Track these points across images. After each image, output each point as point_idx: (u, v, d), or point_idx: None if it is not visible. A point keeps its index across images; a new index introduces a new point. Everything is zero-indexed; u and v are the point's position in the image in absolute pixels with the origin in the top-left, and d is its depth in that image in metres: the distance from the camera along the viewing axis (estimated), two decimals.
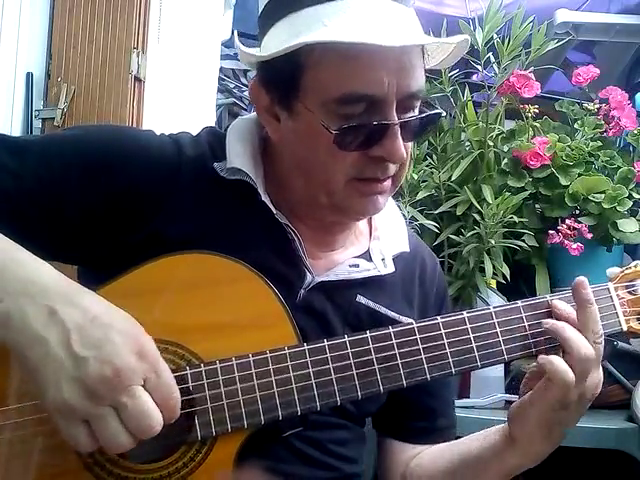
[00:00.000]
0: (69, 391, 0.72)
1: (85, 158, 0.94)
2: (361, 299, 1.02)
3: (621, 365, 1.76)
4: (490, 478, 1.00)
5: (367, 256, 1.06)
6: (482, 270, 1.86)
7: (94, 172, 0.93)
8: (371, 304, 1.03)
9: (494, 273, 1.85)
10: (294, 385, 0.84)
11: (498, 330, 0.90)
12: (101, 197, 0.92)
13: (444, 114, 0.99)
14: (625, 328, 0.94)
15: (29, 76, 1.99)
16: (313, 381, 0.85)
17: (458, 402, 1.68)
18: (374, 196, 0.96)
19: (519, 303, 0.92)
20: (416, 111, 0.94)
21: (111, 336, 0.74)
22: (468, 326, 0.89)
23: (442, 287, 1.19)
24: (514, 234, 1.90)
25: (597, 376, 0.91)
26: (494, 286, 1.89)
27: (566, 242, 1.81)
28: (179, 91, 2.13)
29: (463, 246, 1.87)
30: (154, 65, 2.01)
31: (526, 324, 0.91)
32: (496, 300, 1.89)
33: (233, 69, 2.79)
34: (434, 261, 1.19)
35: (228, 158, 0.98)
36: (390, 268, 1.05)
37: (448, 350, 0.88)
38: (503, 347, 0.89)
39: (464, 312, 0.90)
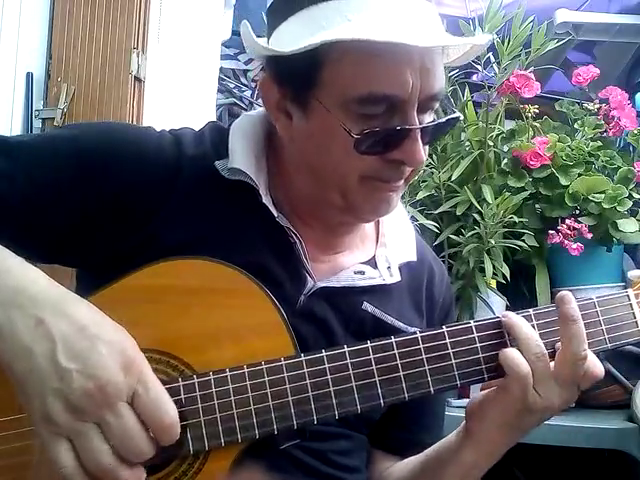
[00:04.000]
0: (52, 404, 0.70)
1: (79, 158, 0.91)
2: (367, 306, 0.98)
3: (621, 365, 1.76)
4: (448, 477, 0.95)
5: (372, 263, 1.02)
6: (482, 270, 1.86)
7: (88, 172, 0.90)
8: (377, 312, 0.99)
9: (494, 273, 1.85)
10: (290, 398, 0.80)
11: (507, 339, 0.84)
12: (94, 198, 0.90)
13: (462, 117, 0.96)
14: None
15: (29, 76, 1.99)
16: (310, 394, 0.80)
17: (458, 402, 1.68)
18: (387, 193, 0.92)
19: (530, 311, 0.87)
20: (433, 113, 0.90)
21: (98, 348, 0.71)
22: (475, 335, 0.84)
23: (449, 298, 1.14)
24: (514, 234, 1.90)
25: (571, 396, 0.85)
26: (494, 286, 1.89)
27: (566, 242, 1.81)
28: (179, 91, 2.12)
29: (463, 246, 1.87)
30: (154, 65, 2.01)
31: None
32: (496, 300, 1.89)
33: (233, 69, 2.78)
34: (442, 270, 1.14)
35: (230, 157, 0.95)
36: (396, 277, 1.00)
37: (454, 361, 0.83)
38: None
39: (471, 321, 0.85)
